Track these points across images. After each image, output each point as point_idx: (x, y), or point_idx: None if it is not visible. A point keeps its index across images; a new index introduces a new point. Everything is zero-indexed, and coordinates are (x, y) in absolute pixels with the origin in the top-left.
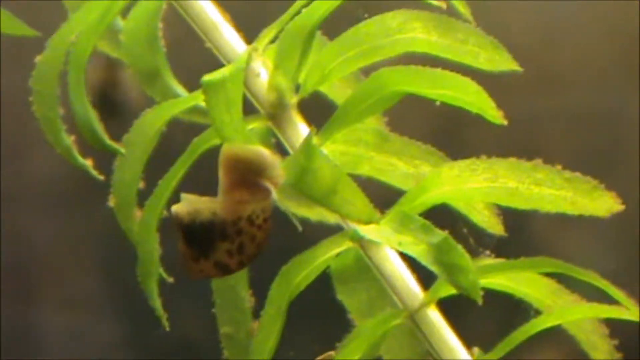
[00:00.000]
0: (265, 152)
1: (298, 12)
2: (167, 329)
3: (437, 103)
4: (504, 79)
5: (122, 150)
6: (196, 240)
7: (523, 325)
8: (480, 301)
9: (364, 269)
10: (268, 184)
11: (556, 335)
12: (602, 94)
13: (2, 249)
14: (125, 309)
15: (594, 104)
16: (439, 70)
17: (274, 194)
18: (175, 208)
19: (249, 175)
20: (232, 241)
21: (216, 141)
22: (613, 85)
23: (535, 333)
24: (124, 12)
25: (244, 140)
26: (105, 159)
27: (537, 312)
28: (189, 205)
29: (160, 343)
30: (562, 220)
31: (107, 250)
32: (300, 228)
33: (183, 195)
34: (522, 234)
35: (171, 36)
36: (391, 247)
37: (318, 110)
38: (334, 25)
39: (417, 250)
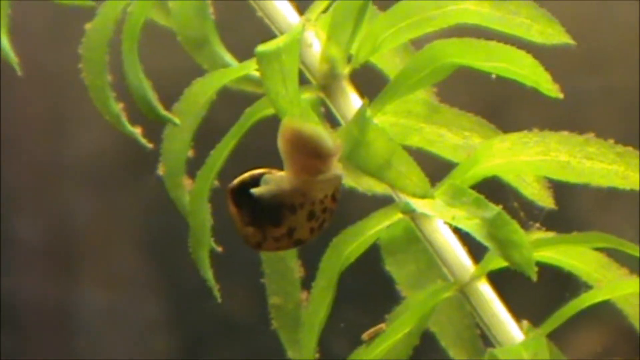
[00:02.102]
0: (324, 132)
1: None
2: (219, 300)
3: (493, 76)
4: (550, 58)
5: (176, 120)
6: (277, 220)
7: (573, 299)
8: (534, 277)
9: (413, 240)
10: (333, 162)
11: (598, 311)
12: None
13: (44, 225)
14: (167, 288)
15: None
16: (493, 43)
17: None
18: (256, 191)
19: (313, 156)
20: (317, 219)
21: (269, 111)
22: None
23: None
24: None
25: (299, 112)
26: (153, 128)
27: (586, 286)
28: (272, 186)
29: (201, 322)
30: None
31: (150, 227)
32: None
33: (265, 177)
34: (568, 207)
35: (221, 5)
36: (444, 221)
37: (363, 81)
38: None
39: (471, 225)
